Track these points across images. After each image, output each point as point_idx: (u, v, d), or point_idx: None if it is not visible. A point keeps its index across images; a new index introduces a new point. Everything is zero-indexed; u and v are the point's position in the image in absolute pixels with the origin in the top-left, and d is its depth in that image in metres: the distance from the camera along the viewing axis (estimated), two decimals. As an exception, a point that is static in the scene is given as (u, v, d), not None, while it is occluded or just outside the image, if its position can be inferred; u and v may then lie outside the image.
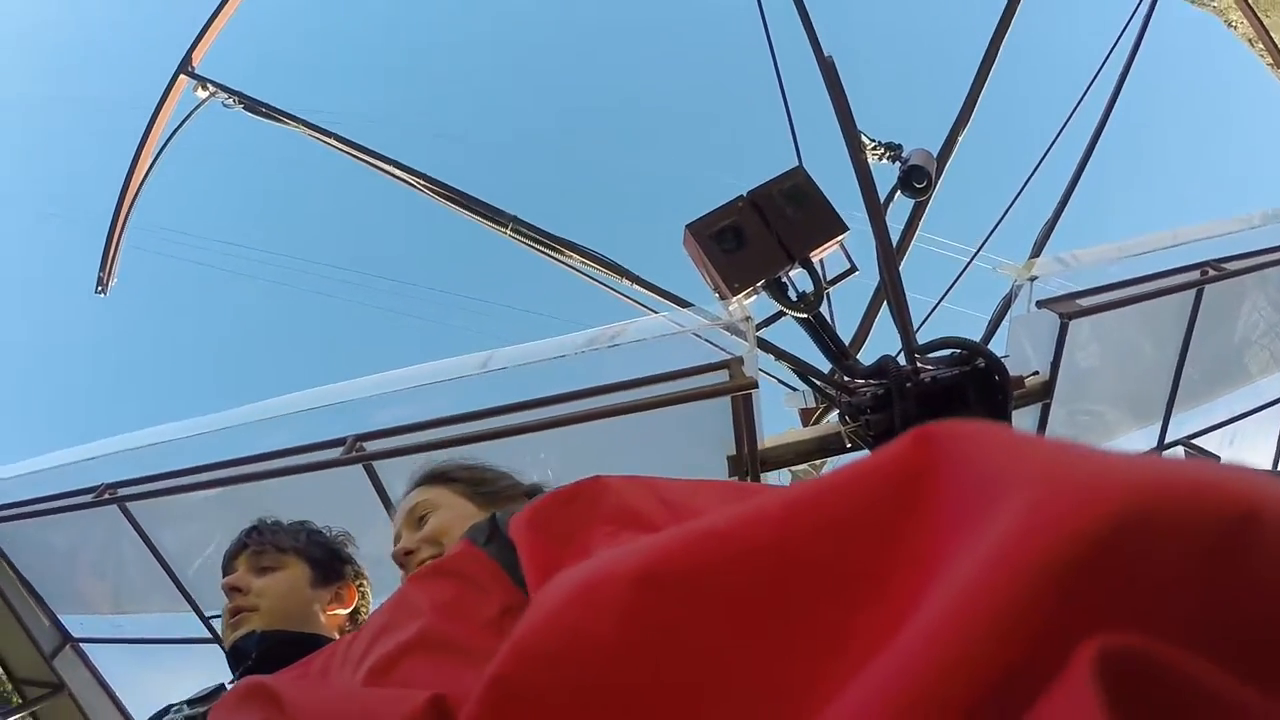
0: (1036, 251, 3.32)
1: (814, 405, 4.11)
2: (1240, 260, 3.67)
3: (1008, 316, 3.20)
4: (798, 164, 3.33)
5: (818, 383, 3.00)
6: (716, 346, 2.86)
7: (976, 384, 2.90)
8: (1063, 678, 0.25)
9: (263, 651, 1.46)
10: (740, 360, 2.75)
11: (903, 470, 0.34)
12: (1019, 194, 4.15)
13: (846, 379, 2.95)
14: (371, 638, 0.78)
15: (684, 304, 2.99)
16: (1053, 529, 0.26)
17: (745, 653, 0.34)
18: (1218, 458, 3.96)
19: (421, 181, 3.27)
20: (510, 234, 3.16)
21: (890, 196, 3.61)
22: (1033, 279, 3.06)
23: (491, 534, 0.85)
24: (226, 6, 5.35)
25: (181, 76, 5.27)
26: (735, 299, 2.99)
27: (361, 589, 1.75)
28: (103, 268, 5.58)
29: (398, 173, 3.39)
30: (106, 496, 3.21)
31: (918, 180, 3.45)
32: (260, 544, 1.64)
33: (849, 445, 2.98)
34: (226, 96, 4.92)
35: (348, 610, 1.69)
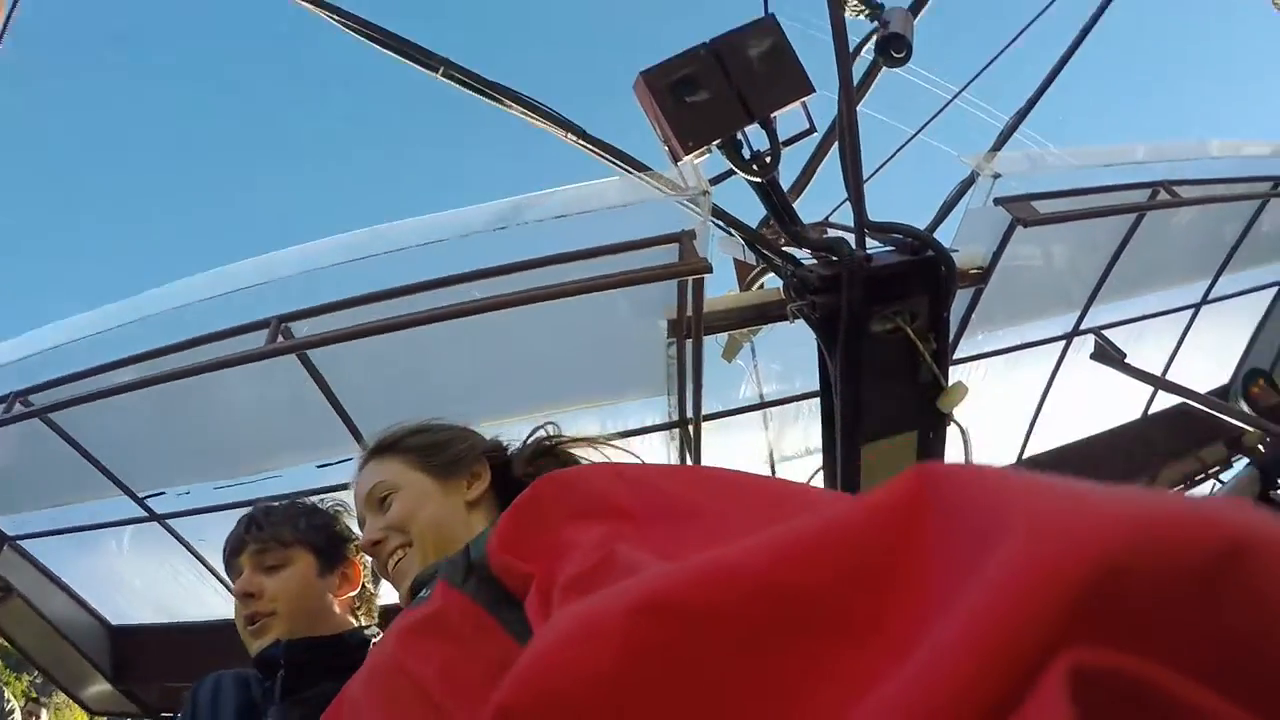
0: (1001, 142, 3.21)
1: (752, 263, 4.02)
2: (1190, 186, 3.71)
3: (962, 204, 3.13)
4: (766, 12, 3.09)
5: (767, 253, 2.89)
6: (672, 202, 2.69)
7: (923, 274, 2.86)
8: (1036, 688, 0.25)
9: (292, 661, 1.46)
10: (693, 234, 2.60)
11: (900, 509, 0.35)
12: (1004, 49, 4.00)
13: (792, 249, 2.86)
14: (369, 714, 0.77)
15: (640, 166, 2.78)
16: (1043, 572, 0.26)
17: (742, 686, 0.34)
18: (1124, 353, 4.15)
19: (344, 20, 2.86)
20: (442, 77, 2.83)
21: (857, 52, 3.40)
22: (996, 176, 2.98)
23: (468, 572, 0.82)
24: None
25: None
26: (688, 158, 2.81)
27: (363, 561, 1.70)
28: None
29: (320, 10, 2.94)
30: (19, 409, 3.03)
31: (896, 49, 3.23)
32: (262, 540, 1.58)
33: (791, 319, 2.93)
34: None
35: (356, 590, 1.66)
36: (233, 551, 1.60)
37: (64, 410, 3.04)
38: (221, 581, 3.75)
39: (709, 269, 2.53)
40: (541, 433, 1.20)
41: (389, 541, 1.11)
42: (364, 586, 1.70)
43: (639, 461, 0.87)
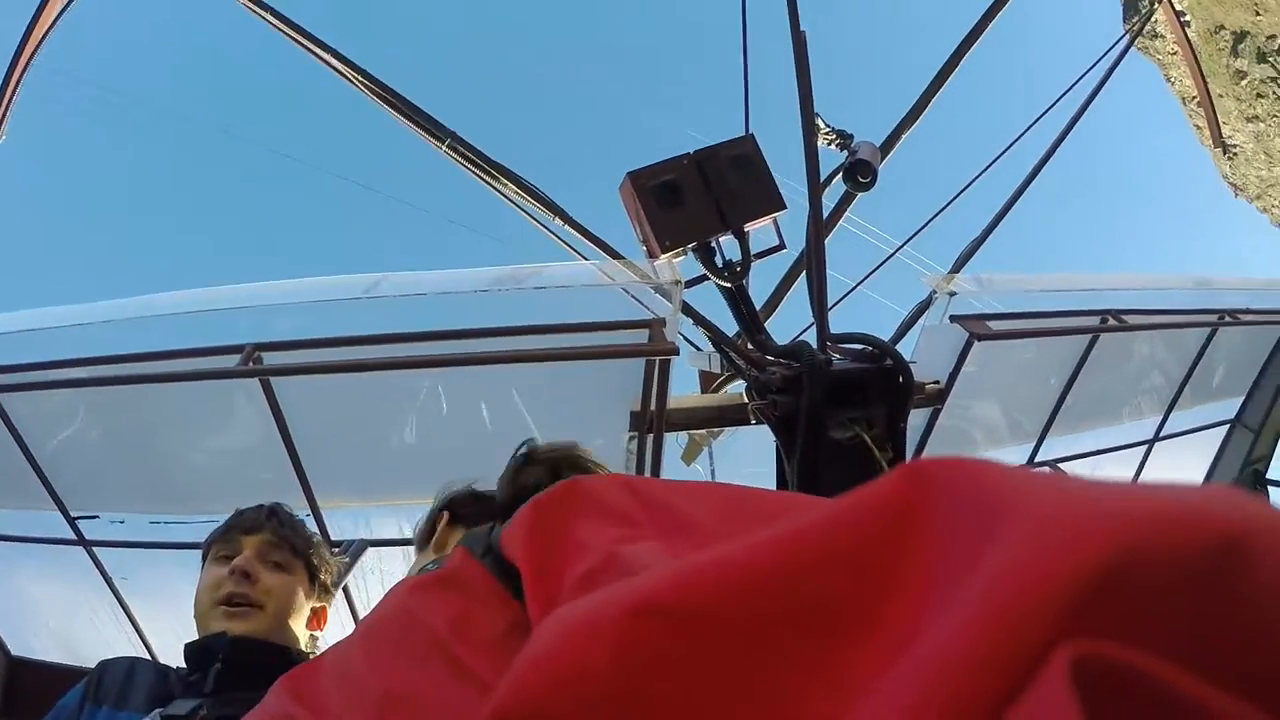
0: (959, 265, 3.39)
1: (718, 371, 4.13)
2: (1138, 315, 3.89)
3: (920, 322, 3.28)
4: (748, 133, 3.30)
5: (731, 354, 3.00)
6: (639, 303, 2.81)
7: (881, 382, 2.96)
8: (1039, 679, 0.25)
9: (236, 657, 1.40)
10: (663, 322, 2.71)
11: (895, 504, 0.35)
12: (947, 204, 4.24)
13: (758, 354, 2.97)
14: (372, 656, 0.78)
15: (615, 254, 2.92)
16: (1049, 564, 0.26)
17: (739, 684, 0.34)
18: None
19: (361, 78, 3.05)
20: (447, 151, 3.00)
21: (829, 180, 3.63)
22: (951, 294, 3.13)
23: (487, 548, 0.86)
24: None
25: None
26: (664, 257, 2.95)
27: (331, 608, 1.73)
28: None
29: (337, 64, 3.14)
30: None
31: (863, 175, 3.46)
32: (279, 535, 1.58)
33: (752, 421, 3.00)
34: None
35: (320, 631, 1.66)
36: (244, 529, 1.56)
37: (11, 396, 2.94)
38: (139, 634, 3.58)
39: (675, 351, 2.62)
40: (523, 449, 1.34)
41: None
42: (320, 636, 1.68)
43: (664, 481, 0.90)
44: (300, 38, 3.33)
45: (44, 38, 4.47)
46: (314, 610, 1.64)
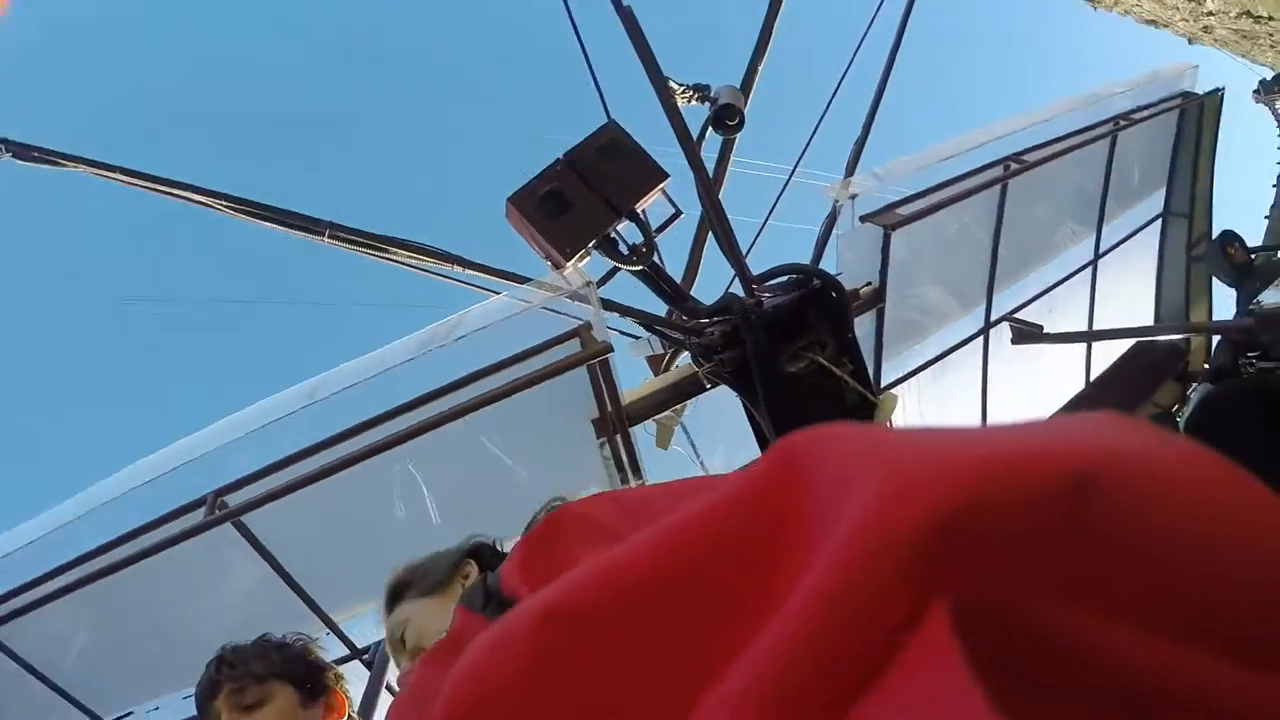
0: (851, 168, 3.43)
1: (661, 352, 4.16)
2: (1037, 150, 3.95)
3: (833, 233, 3.31)
4: (608, 119, 3.32)
5: (666, 330, 3.02)
6: (561, 314, 2.83)
7: (816, 303, 3.00)
8: (919, 632, 0.26)
9: None
10: (589, 325, 2.73)
11: (768, 484, 0.36)
12: (824, 114, 4.28)
13: (691, 321, 2.99)
14: None
15: (521, 279, 2.93)
16: (889, 517, 0.27)
17: (638, 677, 0.35)
18: (1040, 326, 4.30)
19: (224, 203, 3.05)
20: (329, 240, 3.01)
21: (702, 134, 3.65)
22: (853, 197, 3.17)
23: (487, 598, 0.87)
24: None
25: None
26: (570, 264, 2.96)
27: (344, 690, 1.71)
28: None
29: (198, 198, 3.14)
30: None
31: (729, 118, 3.50)
32: (237, 679, 1.55)
33: (708, 385, 3.03)
34: None
35: (343, 718, 1.65)
36: (208, 695, 1.56)
37: (8, 627, 2.93)
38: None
39: (609, 349, 2.64)
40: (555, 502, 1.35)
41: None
42: (350, 716, 1.68)
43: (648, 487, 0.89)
44: (156, 185, 3.32)
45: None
46: (325, 705, 1.64)
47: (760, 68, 4.12)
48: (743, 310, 2.83)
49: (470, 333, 2.59)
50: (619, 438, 2.82)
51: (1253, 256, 5.20)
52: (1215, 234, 5.47)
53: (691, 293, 3.30)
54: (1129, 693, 0.27)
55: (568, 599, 0.38)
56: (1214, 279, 5.78)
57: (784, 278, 3.07)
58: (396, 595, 1.38)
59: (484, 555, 1.41)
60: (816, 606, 0.27)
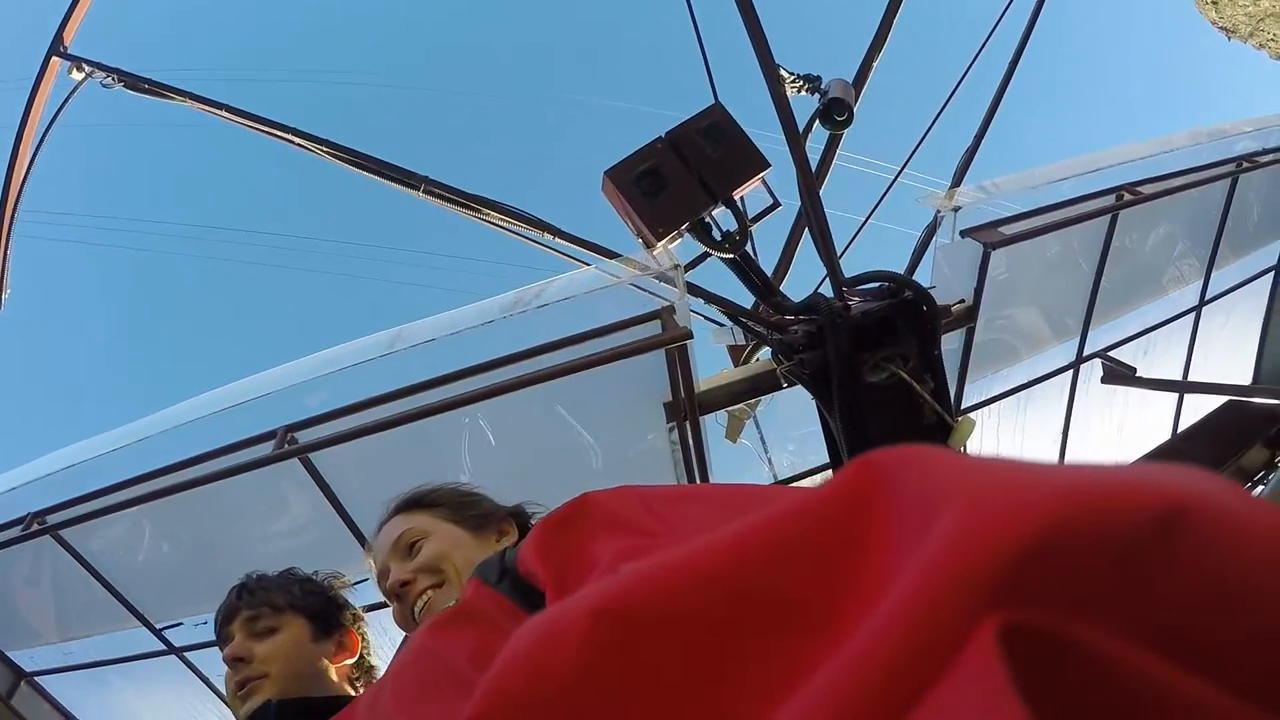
0: (958, 178, 3.32)
1: (743, 343, 4.10)
2: (1154, 184, 3.77)
3: (932, 244, 3.21)
4: (714, 101, 3.26)
5: (749, 323, 2.97)
6: (646, 292, 2.79)
7: (905, 315, 2.91)
8: (968, 649, 0.26)
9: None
10: (671, 309, 2.69)
11: (848, 500, 0.35)
12: (937, 116, 4.15)
13: (776, 316, 2.93)
14: (400, 701, 0.78)
15: (610, 254, 2.91)
16: (976, 545, 0.27)
17: (698, 682, 0.35)
18: (1133, 369, 4.12)
19: (325, 149, 3.09)
20: (423, 195, 3.03)
21: (809, 127, 3.56)
22: (956, 209, 3.06)
23: (502, 573, 0.84)
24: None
25: (54, 59, 4.73)
26: (661, 244, 2.92)
27: (361, 632, 1.69)
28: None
29: (299, 140, 3.19)
30: (36, 527, 3.04)
31: (838, 113, 3.40)
32: (254, 606, 1.57)
33: (784, 384, 2.97)
34: (105, 75, 4.48)
35: (354, 658, 1.63)
36: (225, 619, 1.58)
37: (77, 529, 3.05)
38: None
39: (690, 335, 2.60)
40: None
41: (418, 582, 1.12)
42: (363, 657, 1.66)
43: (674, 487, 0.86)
44: (260, 125, 3.38)
45: (23, 184, 4.59)
46: (337, 643, 1.63)
47: (875, 63, 4.01)
48: (830, 313, 2.76)
49: (555, 301, 2.57)
50: (689, 425, 2.78)
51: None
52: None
53: (781, 288, 3.24)
54: None
55: (623, 597, 0.37)
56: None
57: (876, 284, 2.99)
58: (421, 504, 1.26)
59: (522, 524, 1.30)
60: (896, 630, 0.27)
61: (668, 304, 2.70)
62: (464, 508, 1.25)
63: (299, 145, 3.28)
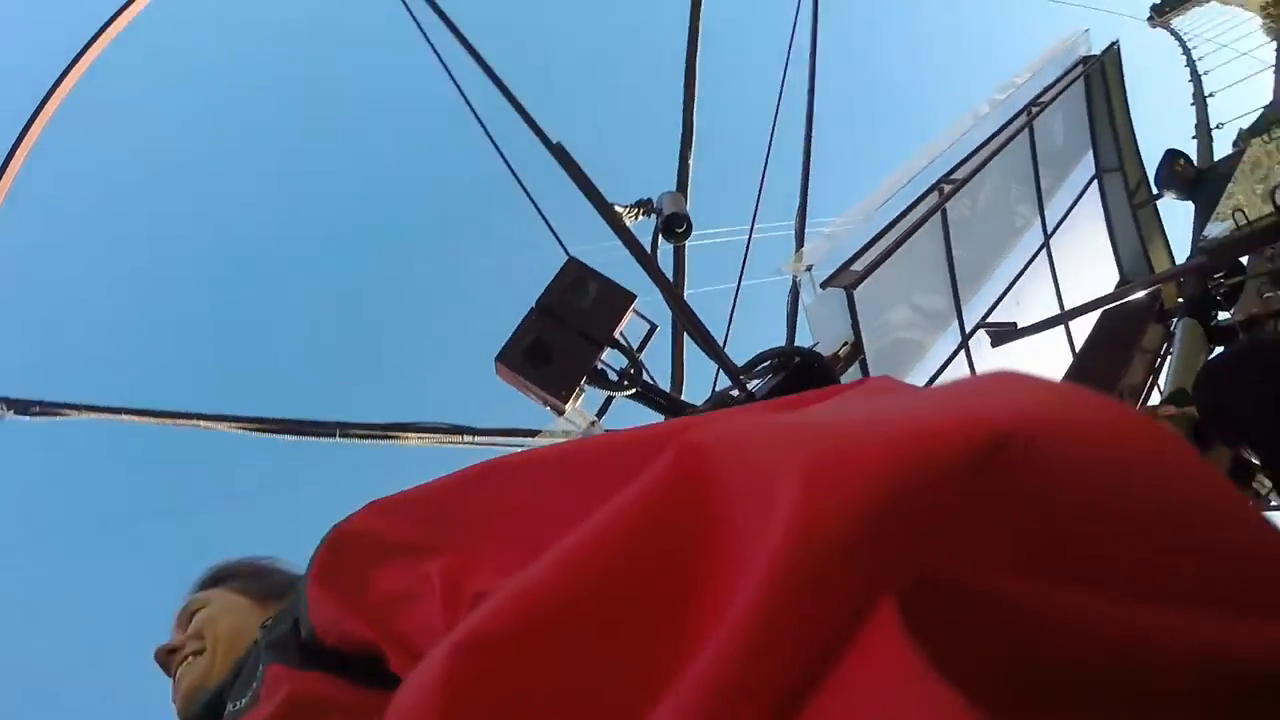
0: (800, 237, 3.63)
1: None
2: (965, 164, 4.18)
3: (801, 306, 3.50)
4: (568, 256, 3.51)
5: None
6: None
7: (803, 380, 3.17)
8: (867, 625, 0.25)
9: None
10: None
11: (679, 487, 0.35)
12: (761, 183, 4.45)
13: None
14: None
15: (530, 433, 3.10)
16: (820, 513, 0.27)
17: (561, 706, 0.33)
18: (1014, 323, 4.47)
19: (239, 425, 3.24)
20: (340, 438, 3.19)
21: (654, 245, 3.82)
22: (809, 268, 3.37)
23: (304, 650, 0.72)
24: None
25: None
26: (569, 405, 3.13)
27: None
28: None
29: (214, 425, 3.32)
30: None
31: (677, 226, 3.68)
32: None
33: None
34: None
35: None
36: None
37: None
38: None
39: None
40: None
41: (185, 648, 1.06)
42: None
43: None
44: (169, 418, 3.52)
45: None
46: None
47: (691, 158, 4.34)
48: (734, 406, 3.00)
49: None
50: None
51: (1198, 169, 5.42)
52: (1150, 173, 5.70)
53: (682, 396, 3.48)
54: (1116, 657, 0.27)
55: (476, 628, 0.36)
56: (1160, 218, 6.01)
57: (767, 363, 3.25)
58: (214, 580, 1.19)
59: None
60: (759, 613, 0.26)
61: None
62: (254, 578, 1.18)
63: (213, 428, 3.40)
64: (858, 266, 3.52)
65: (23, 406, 4.68)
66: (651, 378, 3.38)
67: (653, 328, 3.33)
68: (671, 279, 3.71)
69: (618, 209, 3.79)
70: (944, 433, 0.28)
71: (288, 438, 3.39)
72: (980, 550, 0.27)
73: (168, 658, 1.06)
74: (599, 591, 0.33)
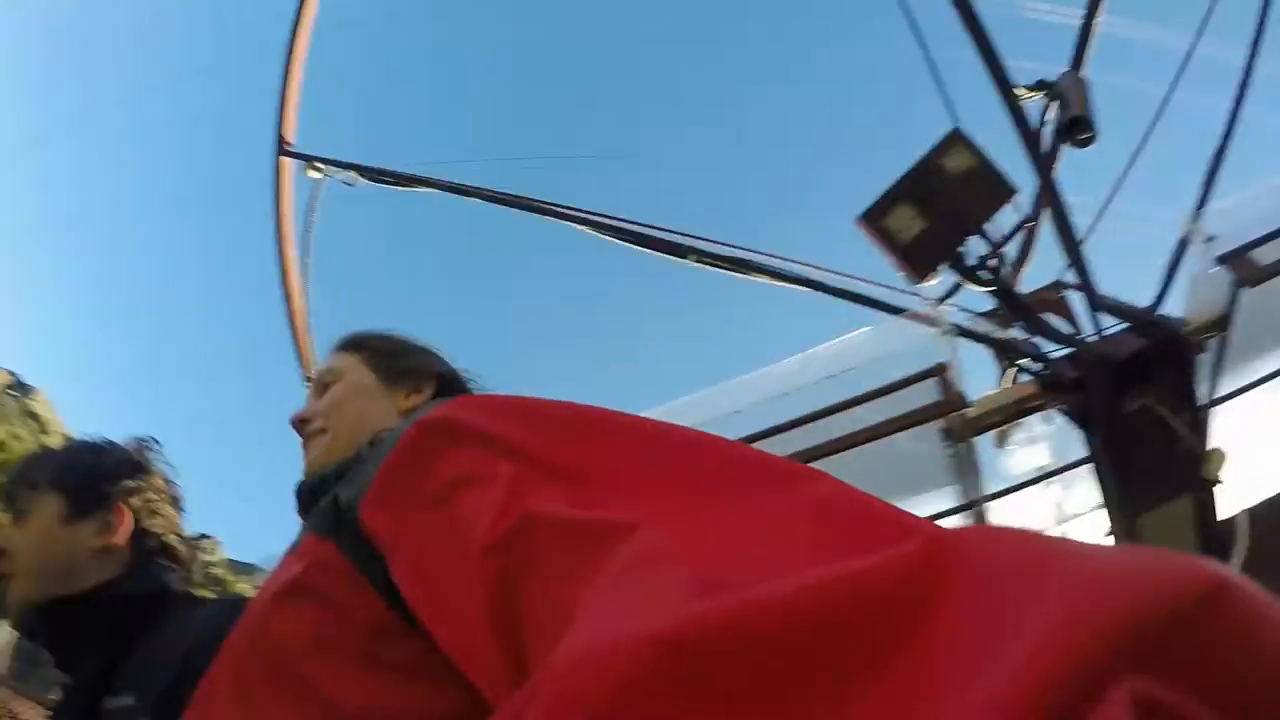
0: (1203, 198, 3.29)
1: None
2: None
3: (1181, 266, 3.23)
4: (954, 127, 3.29)
5: (1016, 361, 3.11)
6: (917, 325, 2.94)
7: (1161, 356, 2.99)
8: (1100, 707, 0.26)
9: (36, 631, 1.30)
10: (946, 366, 2.86)
11: (916, 569, 0.36)
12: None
13: (1039, 353, 3.07)
14: (232, 686, 0.75)
15: (881, 305, 3.07)
16: (1087, 625, 0.28)
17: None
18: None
19: (587, 223, 3.27)
20: (693, 262, 3.22)
21: (1051, 159, 3.48)
22: (1209, 239, 3.09)
23: (337, 521, 0.74)
24: (291, 73, 4.69)
25: (282, 159, 4.70)
26: (924, 280, 3.06)
27: (136, 504, 1.38)
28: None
29: (561, 215, 3.36)
30: None
31: (1080, 132, 3.37)
32: (13, 490, 1.37)
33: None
34: (340, 172, 4.41)
35: (121, 539, 1.33)
36: None
37: None
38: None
39: (965, 404, 2.77)
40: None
41: (314, 422, 1.09)
42: (143, 532, 1.38)
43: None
44: (518, 203, 3.52)
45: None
46: (104, 521, 1.37)
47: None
48: (1095, 363, 2.90)
49: (838, 373, 2.76)
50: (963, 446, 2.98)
51: None
52: None
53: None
54: None
55: (685, 630, 0.36)
56: None
57: (1131, 320, 3.09)
58: (352, 344, 1.18)
59: (444, 385, 1.15)
60: (1012, 708, 0.27)
61: (942, 363, 2.87)
62: (387, 357, 1.15)
63: (562, 218, 3.43)
64: (1260, 255, 3.17)
65: (374, 174, 4.65)
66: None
67: (1024, 221, 3.16)
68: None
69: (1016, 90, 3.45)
70: (1174, 578, 0.29)
71: (638, 248, 3.39)
72: (1198, 686, 0.28)
73: (300, 426, 1.10)
74: (811, 627, 0.35)
